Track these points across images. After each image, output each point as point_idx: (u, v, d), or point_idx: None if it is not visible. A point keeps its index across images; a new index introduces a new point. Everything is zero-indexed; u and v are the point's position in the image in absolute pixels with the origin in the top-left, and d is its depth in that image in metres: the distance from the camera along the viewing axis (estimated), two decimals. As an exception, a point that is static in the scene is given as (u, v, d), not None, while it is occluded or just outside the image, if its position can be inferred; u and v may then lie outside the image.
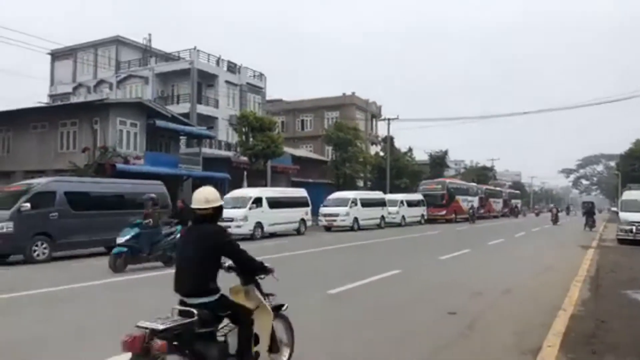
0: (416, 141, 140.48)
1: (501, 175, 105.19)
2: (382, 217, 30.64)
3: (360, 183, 44.07)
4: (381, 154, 47.06)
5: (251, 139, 30.00)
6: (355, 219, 27.70)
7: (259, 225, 21.58)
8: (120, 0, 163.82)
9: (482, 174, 70.29)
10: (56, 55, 40.27)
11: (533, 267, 12.06)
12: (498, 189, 60.91)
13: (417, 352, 5.06)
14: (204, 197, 3.74)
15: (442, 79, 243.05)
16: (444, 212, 38.22)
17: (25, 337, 5.71)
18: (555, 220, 35.27)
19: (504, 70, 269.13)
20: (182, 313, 3.50)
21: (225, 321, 3.74)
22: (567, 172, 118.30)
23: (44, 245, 13.39)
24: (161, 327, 3.18)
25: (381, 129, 54.05)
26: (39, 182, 14.67)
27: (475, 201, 43.83)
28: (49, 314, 7.10)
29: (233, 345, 3.71)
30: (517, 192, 74.41)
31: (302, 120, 51.81)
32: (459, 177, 63.15)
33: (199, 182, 30.17)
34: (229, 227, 20.80)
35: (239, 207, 21.32)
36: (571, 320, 6.07)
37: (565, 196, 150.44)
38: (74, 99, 36.47)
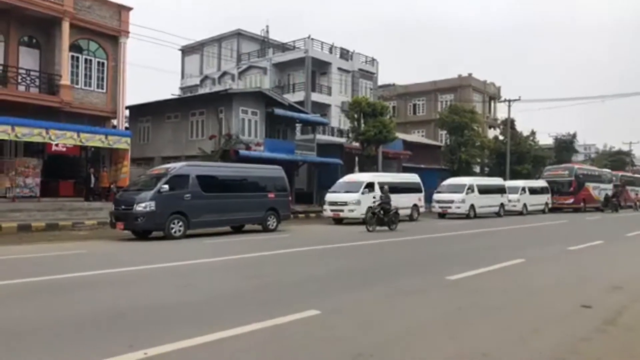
0: (540, 124, 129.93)
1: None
2: (502, 205, 29.09)
3: (477, 169, 42.24)
4: (500, 137, 44.57)
5: (363, 125, 30.17)
6: (472, 206, 26.63)
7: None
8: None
9: (618, 159, 63.29)
10: (186, 51, 44.01)
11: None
12: (637, 175, 54.43)
13: (553, 343, 4.77)
14: None
15: (570, 60, 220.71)
16: (571, 201, 35.24)
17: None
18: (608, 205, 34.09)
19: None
20: None
21: None
22: None
23: (180, 224, 14.80)
24: None
25: (501, 112, 51.13)
26: (175, 167, 16.07)
27: (608, 189, 39.68)
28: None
29: None
30: (661, 180, 65.58)
31: (415, 105, 50.81)
32: (589, 162, 57.53)
33: (313, 168, 31.23)
34: (342, 210, 21.32)
35: (352, 192, 21.66)
36: None
37: None
38: (201, 91, 39.69)
